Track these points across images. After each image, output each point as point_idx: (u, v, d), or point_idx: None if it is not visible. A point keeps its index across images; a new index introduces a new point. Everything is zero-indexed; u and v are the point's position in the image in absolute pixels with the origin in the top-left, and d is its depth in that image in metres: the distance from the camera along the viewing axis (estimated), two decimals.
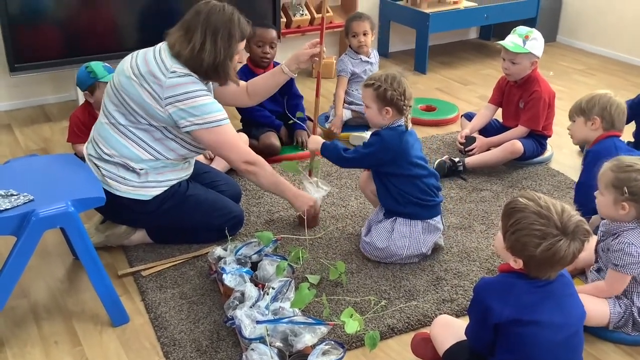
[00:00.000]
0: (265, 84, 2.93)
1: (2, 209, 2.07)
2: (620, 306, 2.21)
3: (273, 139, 3.46)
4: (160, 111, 2.44)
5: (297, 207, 2.75)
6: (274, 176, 2.68)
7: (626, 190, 2.12)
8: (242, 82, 2.95)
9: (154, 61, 2.47)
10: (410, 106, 2.56)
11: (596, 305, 2.18)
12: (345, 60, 3.86)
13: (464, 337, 1.90)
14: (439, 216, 2.67)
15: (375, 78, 2.55)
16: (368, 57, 3.87)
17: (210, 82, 2.69)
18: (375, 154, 2.56)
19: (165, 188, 2.59)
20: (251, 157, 2.63)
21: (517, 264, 1.74)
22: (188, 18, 2.51)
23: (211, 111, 2.48)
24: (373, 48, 3.94)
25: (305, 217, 2.68)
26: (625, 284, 2.19)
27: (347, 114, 3.83)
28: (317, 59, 2.82)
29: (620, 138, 2.73)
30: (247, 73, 3.44)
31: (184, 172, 2.68)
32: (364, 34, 3.80)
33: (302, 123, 3.52)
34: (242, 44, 2.59)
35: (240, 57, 2.63)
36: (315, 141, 2.74)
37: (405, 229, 2.60)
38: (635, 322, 2.22)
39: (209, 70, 2.50)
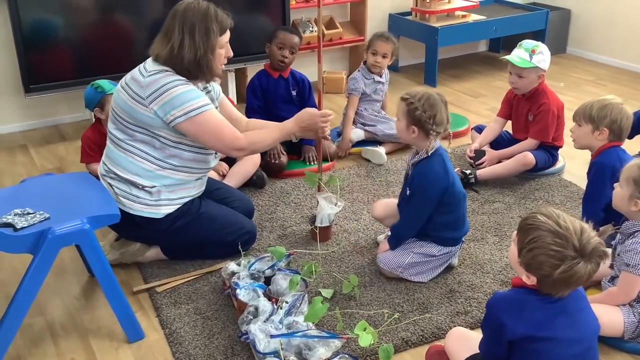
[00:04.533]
0: (270, 137, 2.71)
1: (18, 227, 2.10)
2: (635, 315, 2.20)
3: (281, 157, 3.48)
4: (146, 112, 2.45)
5: (308, 133, 2.70)
6: (269, 138, 2.66)
7: None
8: (242, 118, 2.91)
9: (137, 70, 2.52)
10: (438, 132, 2.49)
11: (610, 315, 2.17)
12: (358, 79, 3.77)
13: (479, 350, 1.89)
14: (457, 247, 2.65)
15: (411, 94, 2.51)
16: (380, 77, 3.82)
17: (212, 95, 2.70)
18: (426, 199, 2.51)
19: (178, 206, 2.61)
20: (238, 144, 2.56)
21: (530, 280, 1.72)
22: (166, 22, 2.53)
23: (190, 99, 2.45)
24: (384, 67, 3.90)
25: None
26: (638, 287, 2.18)
27: (360, 134, 3.79)
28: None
29: (622, 147, 2.72)
30: (263, 76, 3.55)
31: (196, 190, 2.69)
32: (383, 56, 3.73)
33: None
34: (225, 37, 2.55)
35: (227, 51, 2.59)
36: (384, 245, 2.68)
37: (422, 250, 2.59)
38: None
39: (191, 66, 2.48)
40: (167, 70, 2.48)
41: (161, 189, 2.56)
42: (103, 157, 2.67)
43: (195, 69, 2.50)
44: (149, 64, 2.52)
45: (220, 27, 2.51)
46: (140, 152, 2.53)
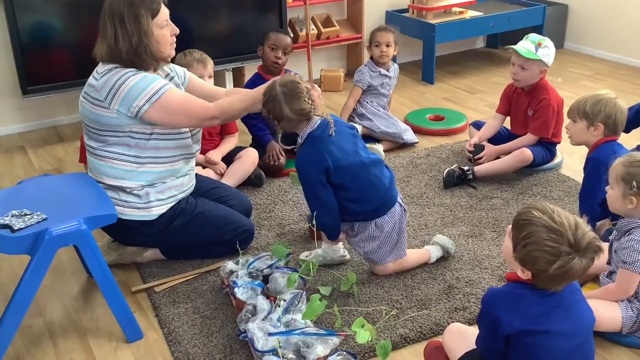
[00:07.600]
0: (242, 103, 2.62)
1: (16, 228, 2.10)
2: (633, 310, 2.20)
3: (280, 158, 3.47)
4: (110, 114, 2.44)
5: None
6: (240, 103, 2.58)
7: (635, 185, 2.13)
8: (220, 89, 2.90)
9: (91, 76, 2.51)
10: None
11: (607, 310, 2.17)
12: (364, 71, 3.81)
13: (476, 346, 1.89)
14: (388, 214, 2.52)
15: (265, 92, 2.40)
16: (387, 71, 3.83)
17: (177, 80, 2.68)
18: (310, 183, 2.42)
19: (171, 204, 2.61)
20: (210, 113, 2.53)
21: (525, 274, 1.72)
22: (100, 21, 2.49)
23: (146, 85, 2.42)
24: (393, 62, 3.91)
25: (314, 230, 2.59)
26: (635, 284, 2.17)
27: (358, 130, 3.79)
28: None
29: (619, 141, 2.72)
30: (257, 81, 3.49)
31: (186, 186, 2.68)
32: (387, 45, 3.75)
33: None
34: (161, 17, 2.47)
35: (172, 30, 2.53)
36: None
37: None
38: None
39: (131, 56, 2.44)
40: (116, 67, 2.46)
41: (149, 190, 2.56)
42: (88, 170, 2.67)
43: (135, 59, 2.45)
44: (99, 66, 2.50)
45: (150, 9, 2.44)
46: (117, 155, 2.52)
